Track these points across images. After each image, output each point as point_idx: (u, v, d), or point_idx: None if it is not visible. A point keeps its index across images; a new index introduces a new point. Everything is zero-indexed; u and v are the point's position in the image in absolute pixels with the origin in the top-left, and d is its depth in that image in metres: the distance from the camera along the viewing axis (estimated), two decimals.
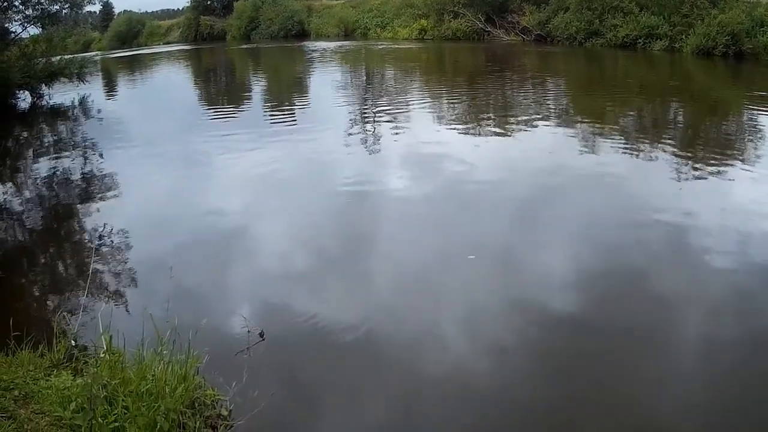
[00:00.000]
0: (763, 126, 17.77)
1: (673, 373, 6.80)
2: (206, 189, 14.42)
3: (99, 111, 28.63)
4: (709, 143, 16.79)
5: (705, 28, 35.14)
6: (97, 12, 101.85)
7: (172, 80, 43.03)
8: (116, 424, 5.32)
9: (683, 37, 37.34)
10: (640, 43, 40.05)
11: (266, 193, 14.05)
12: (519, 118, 20.29)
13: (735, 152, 15.39)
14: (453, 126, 19.94)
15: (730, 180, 13.36)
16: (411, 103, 24.66)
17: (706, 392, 6.55)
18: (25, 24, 31.38)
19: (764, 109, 20.05)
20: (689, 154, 15.44)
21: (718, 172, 13.76)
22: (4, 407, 5.42)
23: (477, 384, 6.83)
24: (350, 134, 19.18)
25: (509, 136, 18.15)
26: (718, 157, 14.90)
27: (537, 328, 7.80)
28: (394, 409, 6.53)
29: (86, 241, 11.85)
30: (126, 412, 5.39)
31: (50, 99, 31.97)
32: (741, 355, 7.06)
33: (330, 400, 6.68)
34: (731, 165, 14.18)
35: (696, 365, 6.98)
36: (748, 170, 13.75)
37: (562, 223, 11.19)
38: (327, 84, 33.05)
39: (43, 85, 31.71)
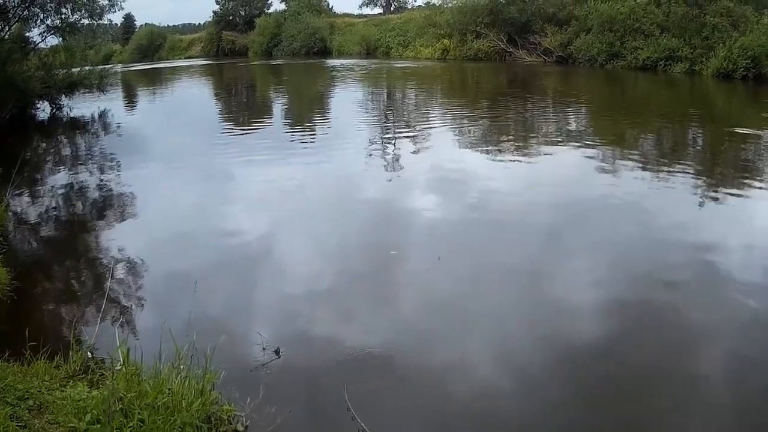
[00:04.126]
0: None
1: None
2: (226, 207, 14.36)
3: (119, 125, 28.63)
4: (730, 167, 16.69)
5: (726, 51, 35.17)
6: (119, 24, 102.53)
7: (193, 95, 43.28)
8: None
9: (704, 59, 37.44)
10: (660, 65, 40.20)
11: (286, 212, 13.99)
12: (540, 141, 20.26)
13: (756, 175, 15.31)
14: (474, 147, 20.00)
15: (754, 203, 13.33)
16: (432, 123, 24.66)
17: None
18: (45, 34, 31.52)
19: None
20: (711, 178, 15.38)
21: (743, 196, 13.72)
22: (18, 416, 5.39)
23: (499, 405, 6.76)
24: (371, 155, 19.14)
25: (530, 158, 18.06)
26: (741, 180, 14.85)
27: (562, 354, 7.72)
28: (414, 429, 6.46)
29: (104, 254, 11.80)
30: (142, 425, 5.36)
31: (70, 111, 32.06)
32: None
33: (348, 418, 6.61)
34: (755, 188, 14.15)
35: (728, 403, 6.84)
36: None
37: (587, 248, 11.11)
38: (349, 102, 33.22)
39: (63, 95, 31.85)
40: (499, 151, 19.17)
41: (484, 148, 19.79)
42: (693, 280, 9.66)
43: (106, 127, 28.76)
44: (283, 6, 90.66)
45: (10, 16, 29.88)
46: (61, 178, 18.29)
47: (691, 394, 6.79)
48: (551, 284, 9.70)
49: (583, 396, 6.90)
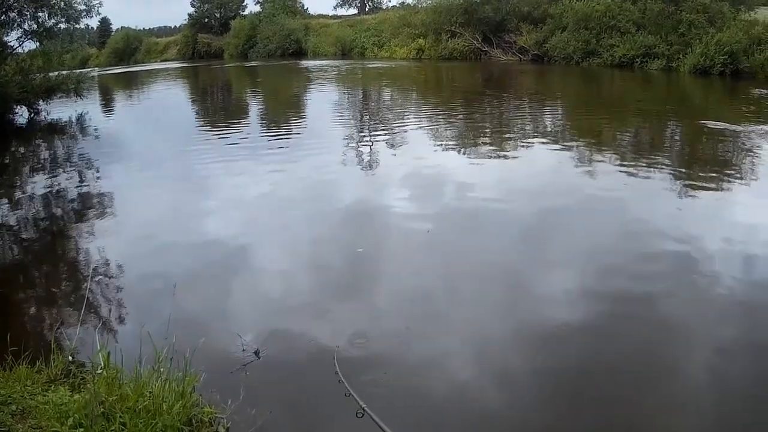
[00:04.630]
0: (758, 144, 17.85)
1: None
2: (204, 211, 14.28)
3: (96, 129, 28.53)
4: (707, 162, 16.79)
5: (703, 47, 35.41)
6: (95, 28, 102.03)
7: (169, 98, 43.03)
8: None
9: (680, 56, 37.63)
10: (637, 62, 40.41)
11: (263, 216, 13.98)
12: (516, 140, 20.38)
13: (732, 171, 15.45)
14: (450, 147, 20.03)
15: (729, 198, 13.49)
16: (408, 123, 24.61)
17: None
18: (23, 39, 31.37)
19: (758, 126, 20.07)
20: (685, 174, 15.49)
21: (717, 192, 13.90)
22: (1, 422, 5.40)
23: (473, 400, 6.82)
24: (347, 156, 19.10)
25: (506, 157, 18.11)
26: (715, 175, 15.01)
27: (541, 350, 7.79)
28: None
29: (83, 259, 11.78)
30: (123, 428, 5.37)
31: (48, 115, 31.96)
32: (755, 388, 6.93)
33: (327, 417, 6.64)
34: (731, 184, 14.33)
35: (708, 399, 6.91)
36: (745, 187, 14.06)
37: (563, 245, 11.18)
38: (324, 104, 33.25)
39: (41, 100, 31.69)
40: (475, 151, 19.24)
41: (460, 148, 19.85)
42: (668, 271, 9.76)
43: (83, 131, 28.62)
44: (258, 8, 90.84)
45: None
46: (40, 182, 18.14)
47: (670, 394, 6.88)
48: (530, 286, 9.78)
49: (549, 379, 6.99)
